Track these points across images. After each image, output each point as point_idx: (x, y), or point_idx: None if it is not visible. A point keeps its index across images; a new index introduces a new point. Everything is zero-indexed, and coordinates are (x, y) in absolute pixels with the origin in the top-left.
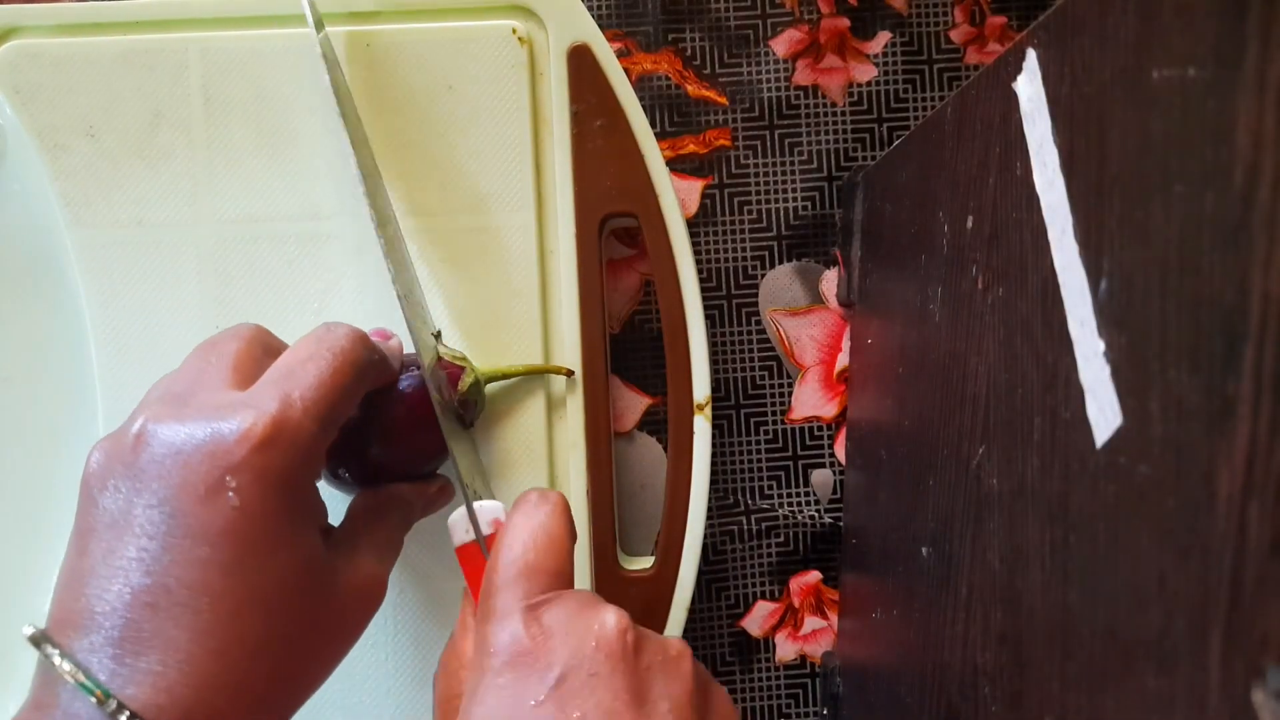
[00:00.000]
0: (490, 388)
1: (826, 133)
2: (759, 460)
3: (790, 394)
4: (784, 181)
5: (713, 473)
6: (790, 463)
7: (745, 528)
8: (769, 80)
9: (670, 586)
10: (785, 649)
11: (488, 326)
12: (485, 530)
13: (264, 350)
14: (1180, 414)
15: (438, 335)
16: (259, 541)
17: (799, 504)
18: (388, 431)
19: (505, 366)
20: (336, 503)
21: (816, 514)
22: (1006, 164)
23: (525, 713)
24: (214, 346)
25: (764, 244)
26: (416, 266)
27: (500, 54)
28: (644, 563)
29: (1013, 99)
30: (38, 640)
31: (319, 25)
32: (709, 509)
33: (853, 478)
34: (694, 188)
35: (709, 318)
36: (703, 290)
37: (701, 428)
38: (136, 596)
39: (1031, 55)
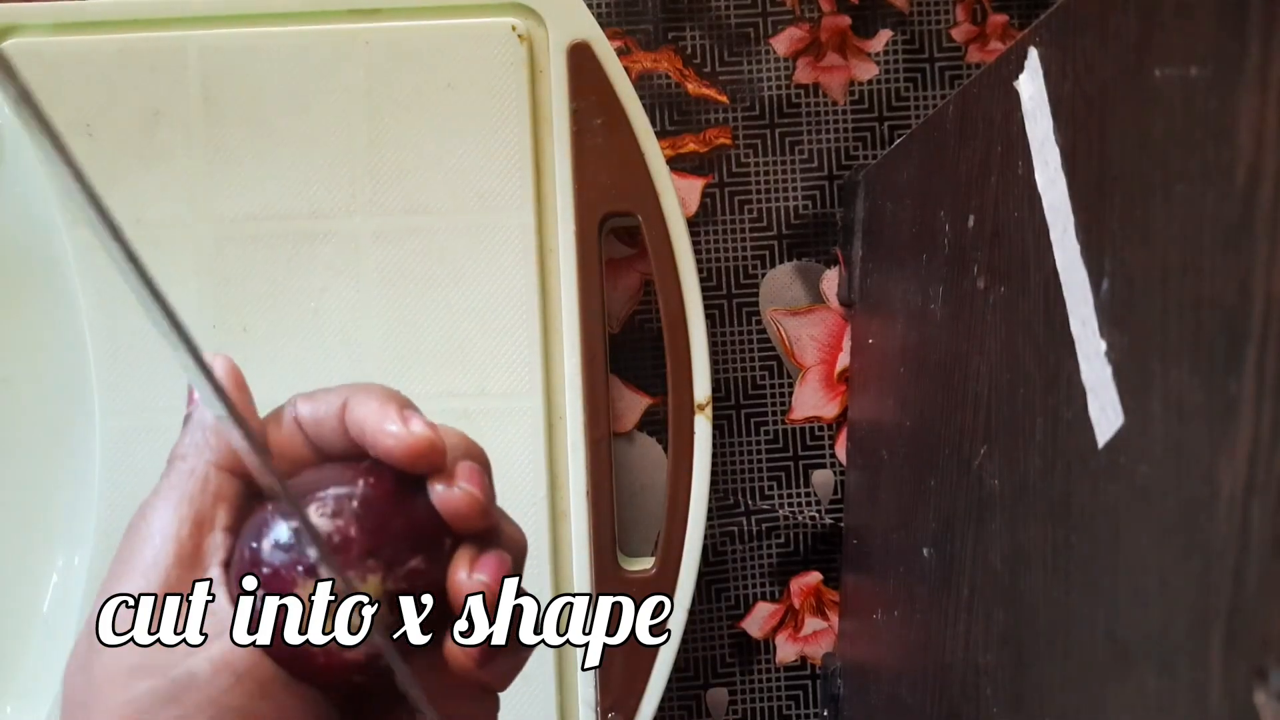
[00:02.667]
0: (495, 390)
1: (827, 131)
2: (759, 460)
3: (790, 394)
4: (784, 180)
5: (713, 473)
6: (790, 463)
7: (745, 528)
8: (770, 78)
9: (670, 587)
10: (786, 650)
11: (487, 328)
12: None
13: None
14: (1182, 414)
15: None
16: None
17: (799, 504)
18: None
19: None
20: None
21: (817, 514)
22: (1008, 163)
23: None
24: None
25: (764, 243)
26: (415, 267)
27: (500, 52)
28: (644, 563)
29: (1014, 98)
30: None
31: None
32: (709, 509)
33: (853, 478)
34: (694, 187)
35: (709, 318)
36: (703, 290)
37: (701, 428)
38: None
39: (1033, 54)
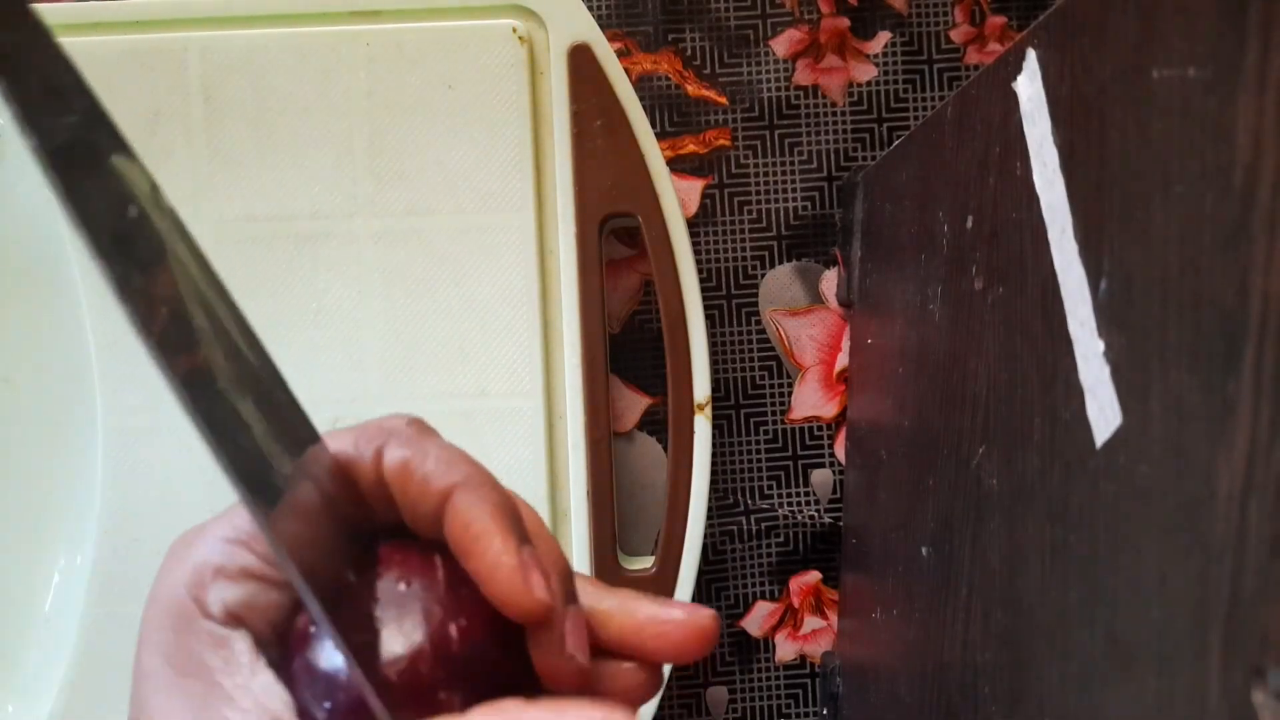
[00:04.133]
0: (496, 392)
1: (826, 133)
2: (759, 460)
3: (790, 394)
4: (784, 181)
5: (713, 473)
6: (790, 463)
7: (745, 528)
8: (769, 80)
9: (670, 586)
10: (785, 649)
11: (487, 328)
12: None
13: None
14: (1180, 414)
15: None
16: None
17: (799, 504)
18: None
19: None
20: None
21: (816, 514)
22: (1006, 164)
23: None
24: None
25: (764, 244)
26: (416, 268)
27: (500, 53)
28: (644, 563)
29: (1013, 99)
30: None
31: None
32: (709, 509)
33: (852, 478)
34: (694, 188)
35: (709, 318)
36: (703, 290)
37: (701, 428)
38: None
39: (1032, 55)
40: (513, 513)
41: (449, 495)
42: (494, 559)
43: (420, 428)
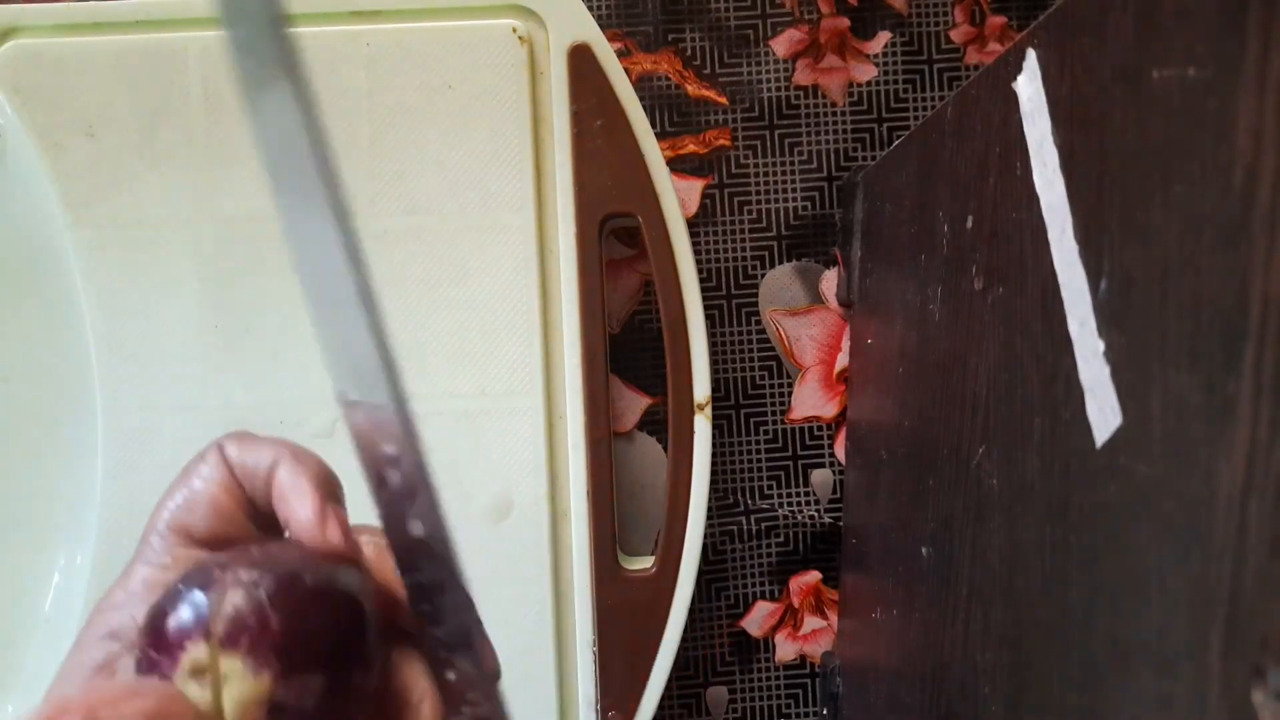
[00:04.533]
0: (494, 391)
1: (826, 133)
2: (759, 460)
3: (790, 394)
4: (784, 181)
5: (713, 473)
6: (790, 463)
7: (745, 528)
8: (769, 80)
9: (670, 586)
10: (785, 649)
11: (487, 328)
12: None
13: None
14: (1180, 414)
15: None
16: None
17: (799, 504)
18: None
19: None
20: None
21: (816, 514)
22: (1006, 164)
23: None
24: None
25: (764, 244)
26: (416, 268)
27: (500, 54)
28: (644, 563)
29: (1013, 99)
30: None
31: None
32: (709, 509)
33: (853, 478)
34: (694, 188)
35: (709, 318)
36: (703, 290)
37: (701, 428)
38: None
39: (1032, 55)
40: (327, 484)
41: (271, 474)
42: (298, 514)
43: (238, 434)
